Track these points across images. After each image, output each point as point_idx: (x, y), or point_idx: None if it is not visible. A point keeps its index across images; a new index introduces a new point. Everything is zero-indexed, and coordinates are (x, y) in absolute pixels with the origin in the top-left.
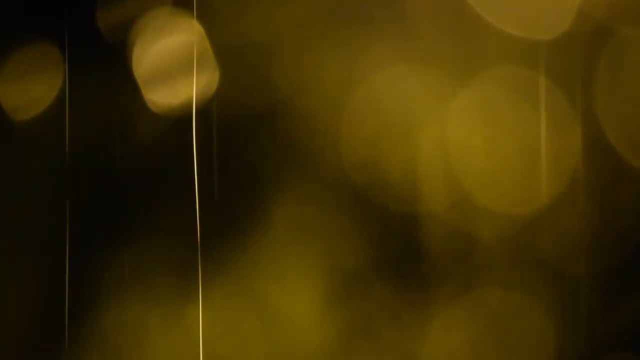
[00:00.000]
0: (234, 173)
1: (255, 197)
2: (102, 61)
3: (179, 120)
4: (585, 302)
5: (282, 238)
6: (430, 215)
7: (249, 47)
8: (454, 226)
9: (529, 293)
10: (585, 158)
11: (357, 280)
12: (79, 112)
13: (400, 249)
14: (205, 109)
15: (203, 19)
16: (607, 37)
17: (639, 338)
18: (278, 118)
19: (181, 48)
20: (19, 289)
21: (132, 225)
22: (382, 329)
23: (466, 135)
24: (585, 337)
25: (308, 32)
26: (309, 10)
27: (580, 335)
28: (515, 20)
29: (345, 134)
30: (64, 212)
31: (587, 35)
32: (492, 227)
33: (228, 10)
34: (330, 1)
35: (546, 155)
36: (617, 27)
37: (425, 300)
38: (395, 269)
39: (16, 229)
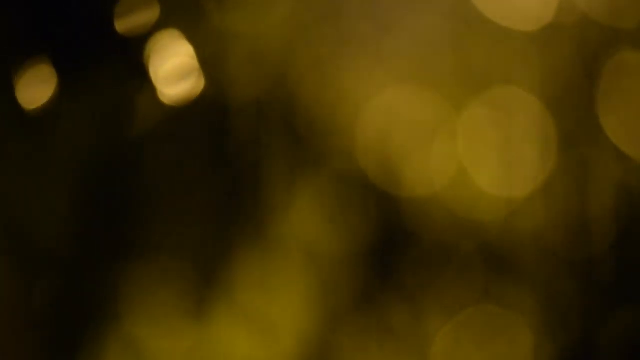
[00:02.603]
0: (240, 182)
1: (266, 207)
2: (112, 55)
3: (187, 123)
4: (579, 288)
5: (288, 254)
6: (428, 199)
7: (262, 49)
8: (451, 210)
9: (523, 280)
10: (578, 149)
11: (363, 285)
12: (85, 110)
13: (399, 235)
14: (211, 113)
15: (217, 21)
16: (594, 29)
17: (633, 329)
18: (287, 125)
19: (193, 44)
20: (18, 297)
21: (134, 239)
22: (392, 330)
23: (462, 128)
24: (579, 325)
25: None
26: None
27: (573, 323)
28: (507, 13)
29: (354, 134)
30: (64, 215)
31: (574, 27)
32: (488, 211)
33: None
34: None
35: (539, 144)
36: (605, 20)
37: (424, 287)
38: (399, 258)
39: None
